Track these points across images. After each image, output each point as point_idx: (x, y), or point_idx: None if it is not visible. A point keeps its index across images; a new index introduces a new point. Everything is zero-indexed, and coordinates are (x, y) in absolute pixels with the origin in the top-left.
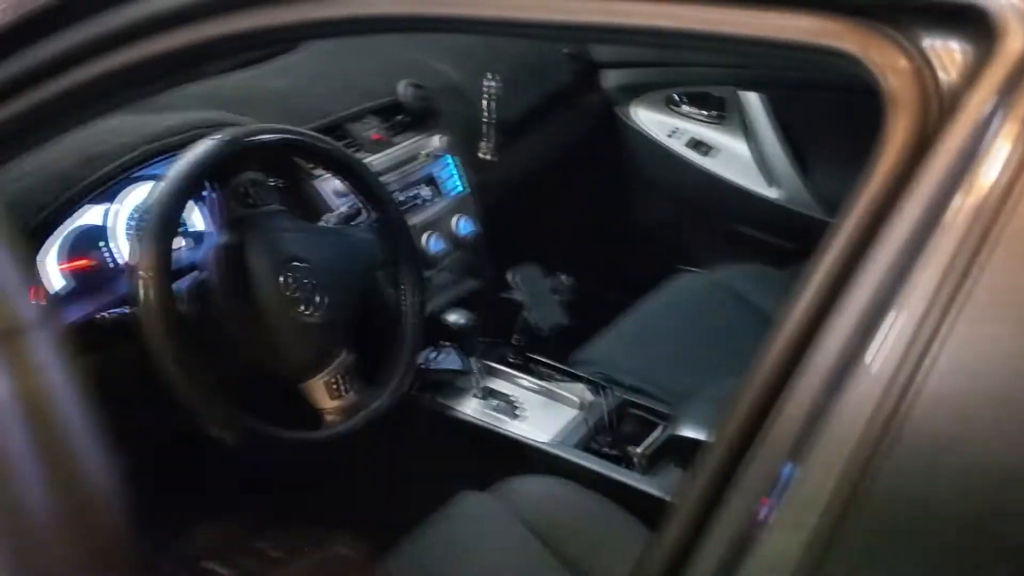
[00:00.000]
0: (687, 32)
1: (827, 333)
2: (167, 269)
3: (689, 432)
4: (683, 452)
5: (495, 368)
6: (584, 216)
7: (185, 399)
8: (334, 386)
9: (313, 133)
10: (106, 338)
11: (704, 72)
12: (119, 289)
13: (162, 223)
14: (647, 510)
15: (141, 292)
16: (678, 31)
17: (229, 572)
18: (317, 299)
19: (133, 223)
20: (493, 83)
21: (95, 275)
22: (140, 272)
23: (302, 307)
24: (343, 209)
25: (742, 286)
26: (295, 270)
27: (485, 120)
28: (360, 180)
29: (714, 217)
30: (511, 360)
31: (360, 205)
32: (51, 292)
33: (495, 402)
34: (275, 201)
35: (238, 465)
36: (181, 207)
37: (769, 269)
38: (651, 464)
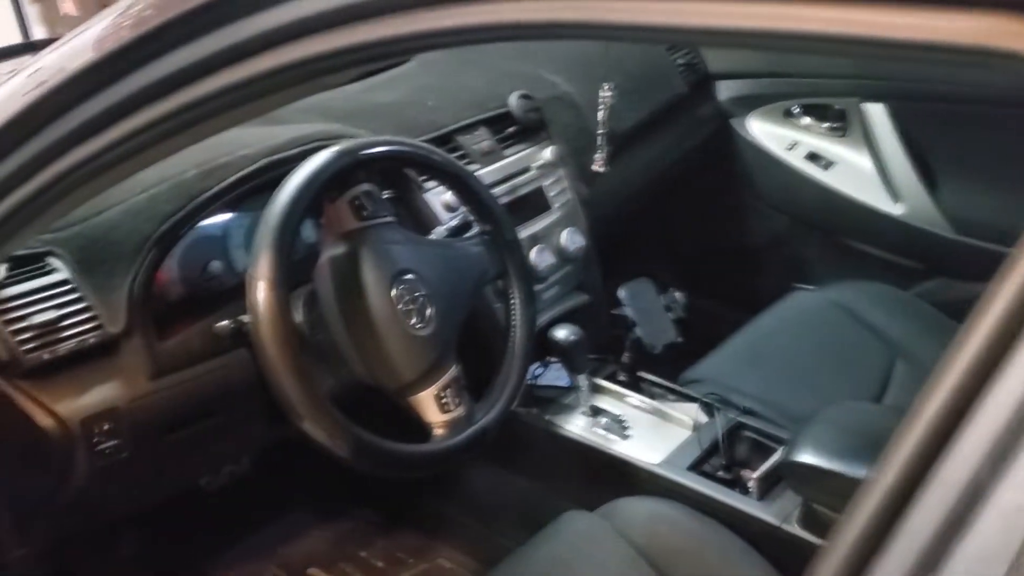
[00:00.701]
0: (827, 36)
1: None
2: (284, 279)
3: (807, 458)
4: (800, 478)
5: (603, 386)
6: (695, 231)
7: (297, 409)
8: (443, 400)
9: (426, 145)
10: (221, 346)
11: (825, 84)
12: (235, 299)
13: (280, 233)
14: (761, 537)
15: (258, 301)
16: (822, 35)
17: None
18: (428, 312)
19: (249, 233)
20: (610, 93)
21: (212, 285)
22: (257, 281)
23: (413, 320)
24: (453, 222)
25: (860, 305)
26: (407, 283)
27: (601, 131)
28: (471, 192)
29: (832, 233)
30: (620, 378)
31: (470, 218)
32: (170, 301)
33: (603, 420)
34: (388, 213)
35: (344, 475)
36: (299, 218)
37: (889, 288)
38: (766, 490)
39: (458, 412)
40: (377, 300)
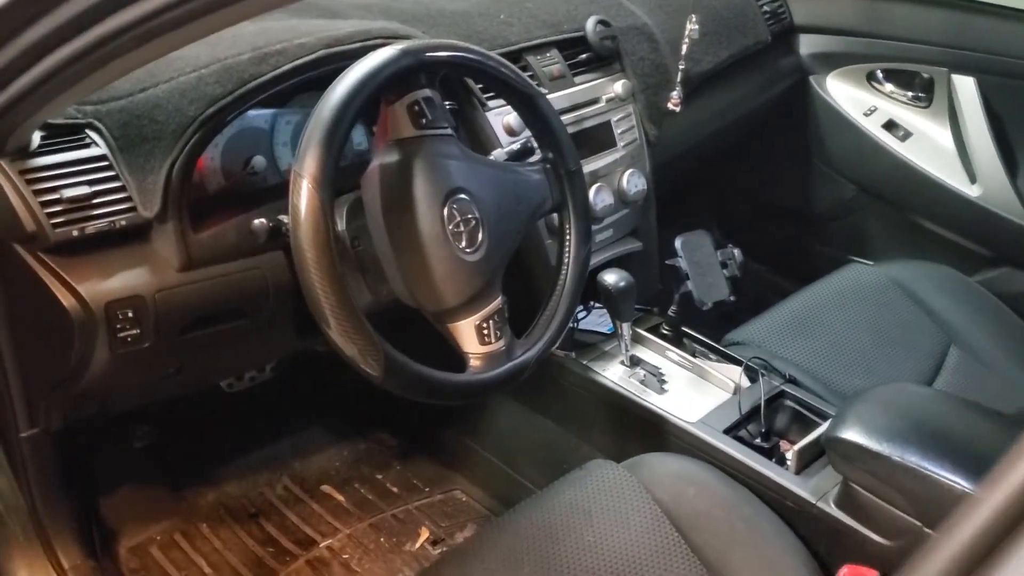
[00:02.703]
0: None
1: None
2: (331, 180)
3: (853, 436)
4: (843, 456)
5: (644, 337)
6: (753, 188)
7: (328, 319)
8: (484, 331)
9: (498, 57)
10: (256, 245)
11: (916, 49)
12: (276, 198)
13: (331, 130)
14: (794, 512)
15: (301, 200)
16: None
17: (343, 499)
18: (479, 237)
19: (297, 131)
20: (696, 26)
21: (254, 180)
22: (301, 179)
23: (463, 243)
24: (514, 146)
25: (919, 285)
26: (460, 203)
27: (682, 67)
28: (539, 115)
29: (898, 208)
30: (663, 331)
31: (532, 144)
32: (208, 192)
33: (642, 373)
34: (447, 125)
35: (366, 396)
36: (353, 115)
37: (951, 271)
38: (804, 464)
39: (497, 345)
40: (427, 217)
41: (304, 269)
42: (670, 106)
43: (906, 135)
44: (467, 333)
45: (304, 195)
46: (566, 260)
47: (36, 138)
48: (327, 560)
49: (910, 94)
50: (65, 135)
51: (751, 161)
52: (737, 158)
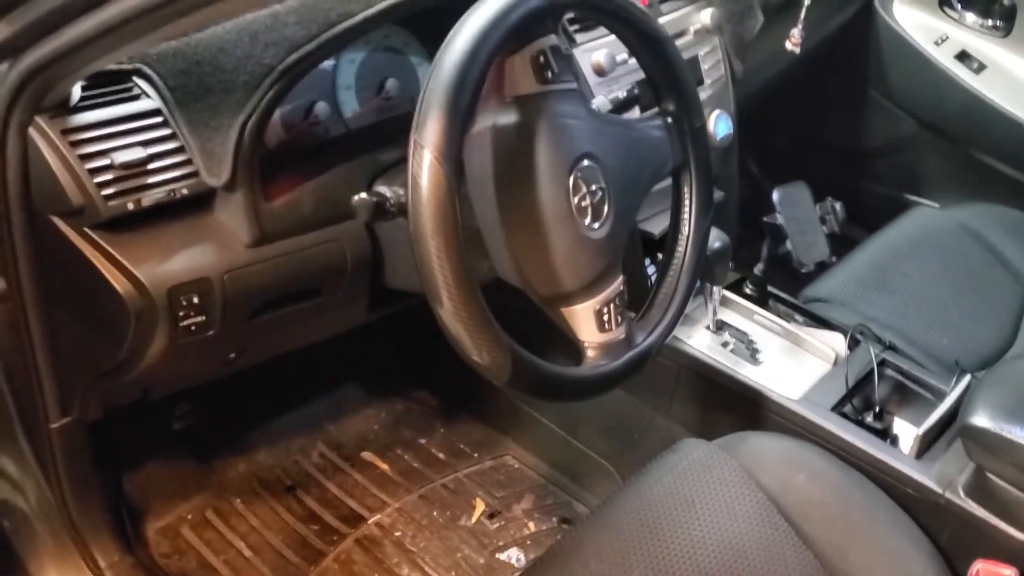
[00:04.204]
0: None
1: None
2: (458, 152)
3: (994, 426)
4: (981, 444)
5: (728, 299)
6: (802, 122)
7: (461, 329)
8: (604, 317)
9: None
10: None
11: None
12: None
13: (456, 91)
14: (918, 501)
15: (423, 176)
16: None
17: (387, 467)
18: (605, 210)
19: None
20: None
21: (317, 131)
22: (424, 151)
23: (588, 219)
24: (620, 93)
25: (990, 231)
26: (587, 172)
27: None
28: (667, 64)
29: (964, 145)
30: (747, 291)
31: (636, 91)
32: (268, 149)
33: (731, 341)
34: (573, 77)
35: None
36: (482, 71)
37: (1021, 215)
38: (925, 447)
39: (617, 332)
40: (550, 189)
41: (427, 261)
42: (790, 46)
43: (980, 67)
44: (585, 319)
45: (427, 169)
46: (685, 231)
47: (77, 90)
48: (378, 539)
49: (988, 22)
50: (109, 84)
51: (815, 95)
52: (804, 93)
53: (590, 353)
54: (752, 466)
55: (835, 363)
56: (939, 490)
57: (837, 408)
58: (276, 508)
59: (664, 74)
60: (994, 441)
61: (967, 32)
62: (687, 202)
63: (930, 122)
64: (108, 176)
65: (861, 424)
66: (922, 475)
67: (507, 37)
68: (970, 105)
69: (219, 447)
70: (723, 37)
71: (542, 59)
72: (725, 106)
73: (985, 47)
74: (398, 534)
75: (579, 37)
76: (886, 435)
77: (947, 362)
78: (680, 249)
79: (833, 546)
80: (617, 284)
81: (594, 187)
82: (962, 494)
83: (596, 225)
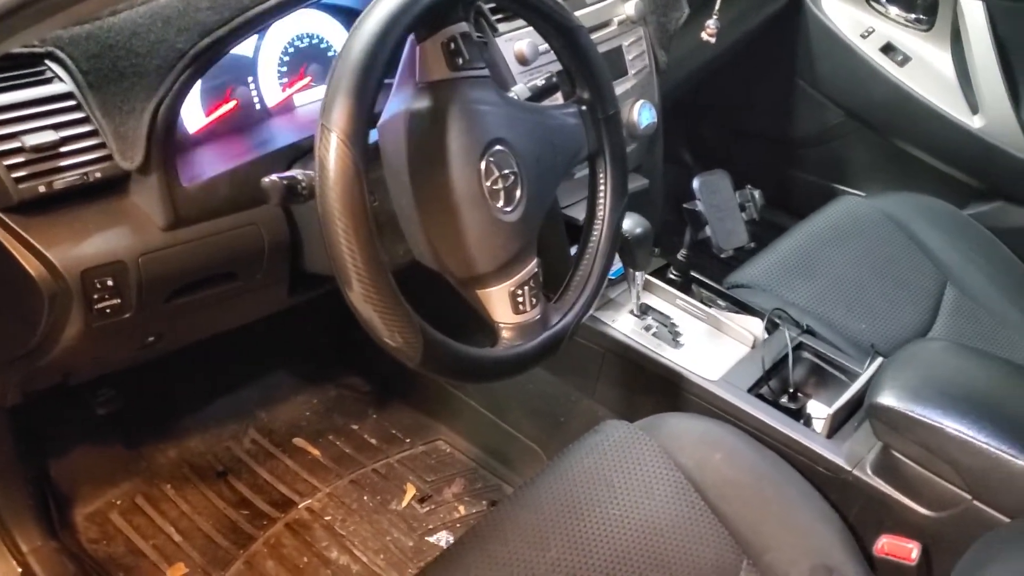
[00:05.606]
0: None
1: None
2: (365, 135)
3: (899, 405)
4: (888, 423)
5: (653, 284)
6: (731, 113)
7: (370, 309)
8: (518, 299)
9: None
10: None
11: None
12: (266, 136)
13: (363, 76)
14: (828, 479)
15: (330, 159)
16: None
17: (319, 453)
18: (518, 194)
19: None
20: None
21: (237, 116)
22: (331, 134)
23: (500, 202)
24: (539, 82)
25: (912, 219)
26: (499, 156)
27: None
28: (581, 53)
29: (889, 136)
30: (671, 276)
31: (555, 79)
32: (189, 133)
33: (654, 325)
34: (484, 64)
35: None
36: (389, 56)
37: (943, 205)
38: (835, 427)
39: (532, 314)
40: (462, 173)
41: (334, 242)
42: (705, 36)
43: (904, 59)
44: (499, 301)
45: (334, 152)
46: (601, 215)
47: None
48: (308, 523)
49: (912, 15)
50: (20, 68)
51: (741, 86)
52: (729, 84)
53: (505, 334)
54: (671, 446)
55: (753, 346)
56: (848, 468)
57: (753, 390)
58: (207, 493)
59: (577, 63)
60: (898, 419)
61: (892, 25)
62: (602, 188)
63: (856, 112)
64: (18, 159)
65: (776, 405)
66: (832, 453)
67: (415, 23)
68: (894, 96)
69: (149, 433)
70: (647, 28)
71: (452, 45)
72: (649, 96)
73: (909, 40)
74: (328, 518)
75: (502, 26)
76: (800, 415)
77: (865, 346)
78: (596, 233)
79: (747, 523)
80: (532, 266)
81: (506, 171)
82: (869, 471)
83: (509, 209)
